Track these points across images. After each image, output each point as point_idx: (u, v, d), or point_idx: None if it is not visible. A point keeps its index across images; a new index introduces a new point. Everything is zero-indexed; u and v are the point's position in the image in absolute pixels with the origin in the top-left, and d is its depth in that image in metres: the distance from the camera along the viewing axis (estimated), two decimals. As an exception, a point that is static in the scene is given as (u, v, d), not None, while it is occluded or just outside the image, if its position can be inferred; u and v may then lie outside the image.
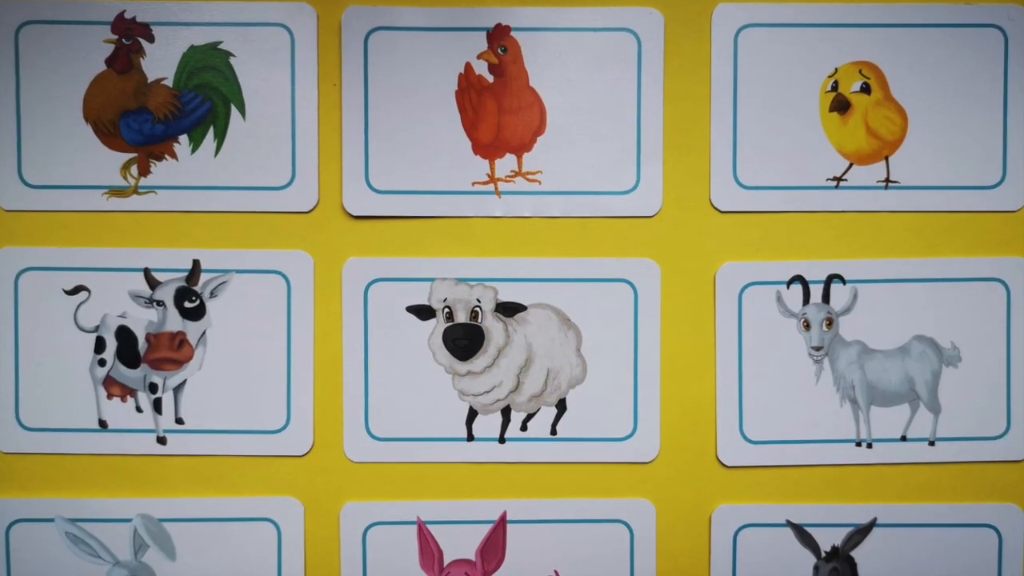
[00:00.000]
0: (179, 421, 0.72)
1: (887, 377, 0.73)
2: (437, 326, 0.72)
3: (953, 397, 0.73)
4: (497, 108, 0.72)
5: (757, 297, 0.72)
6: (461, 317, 0.72)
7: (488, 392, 0.72)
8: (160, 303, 0.72)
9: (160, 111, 0.71)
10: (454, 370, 0.72)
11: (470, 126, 0.72)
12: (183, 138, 0.72)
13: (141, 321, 0.72)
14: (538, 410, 0.73)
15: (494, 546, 0.72)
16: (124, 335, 0.72)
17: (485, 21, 0.71)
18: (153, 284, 0.72)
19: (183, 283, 0.72)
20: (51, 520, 0.72)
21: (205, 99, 0.71)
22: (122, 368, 0.72)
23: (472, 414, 0.73)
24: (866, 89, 0.72)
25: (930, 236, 0.73)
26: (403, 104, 0.71)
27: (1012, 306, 0.73)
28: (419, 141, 0.71)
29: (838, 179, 0.72)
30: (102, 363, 0.72)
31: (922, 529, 0.73)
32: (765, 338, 0.73)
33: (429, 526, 0.72)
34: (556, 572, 0.73)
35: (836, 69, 0.72)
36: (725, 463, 0.73)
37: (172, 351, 0.72)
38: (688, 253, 0.72)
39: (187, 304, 0.72)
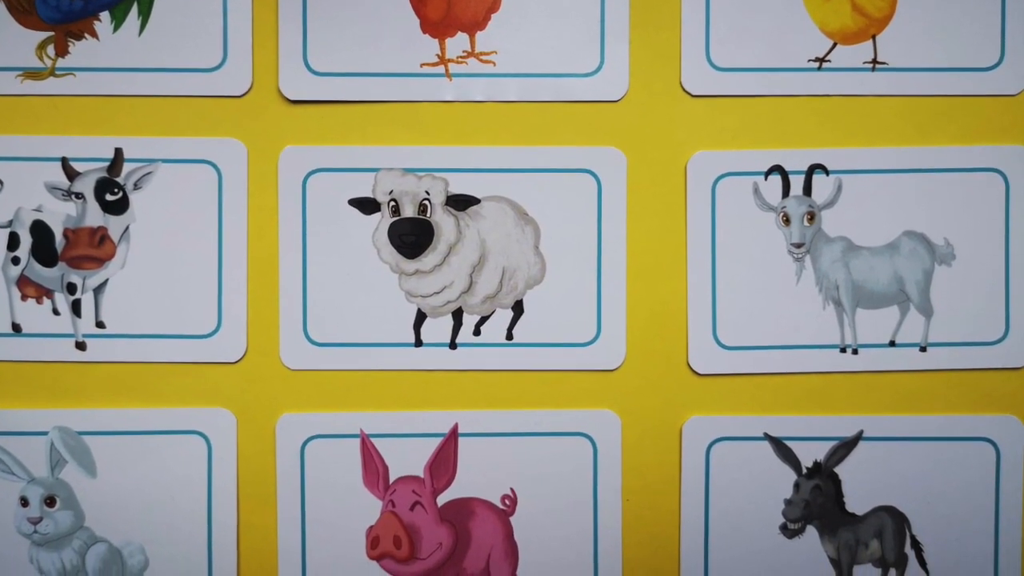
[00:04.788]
0: (100, 325, 0.67)
1: (874, 276, 0.68)
2: (382, 221, 0.67)
3: (946, 298, 0.68)
4: (447, -18, 0.67)
5: (732, 189, 0.67)
6: (408, 211, 0.66)
7: (438, 293, 0.67)
8: (79, 195, 0.67)
9: (79, -15, 0.66)
10: (400, 269, 0.67)
11: (418, 1, 0.67)
12: (104, 15, 0.66)
13: (58, 215, 0.67)
14: (492, 313, 0.68)
15: (444, 461, 0.67)
16: (40, 230, 0.67)
17: None
18: (71, 175, 0.67)
19: (104, 174, 0.67)
20: (-40, 433, 0.67)
21: (128, -28, 0.66)
22: (37, 267, 0.67)
23: (420, 317, 0.68)
24: (851, -39, 0.67)
25: (921, 122, 0.68)
26: (345, -22, 0.66)
27: (1011, 198, 0.67)
28: (362, 18, 0.66)
29: (821, 60, 0.67)
30: (16, 261, 0.67)
31: (912, 443, 0.68)
32: (741, 234, 0.68)
33: (373, 439, 0.67)
34: (512, 490, 0.68)
35: (819, -60, 0.67)
36: (697, 371, 0.68)
37: (92, 248, 0.67)
38: (657, 141, 0.67)
39: (109, 197, 0.67)
